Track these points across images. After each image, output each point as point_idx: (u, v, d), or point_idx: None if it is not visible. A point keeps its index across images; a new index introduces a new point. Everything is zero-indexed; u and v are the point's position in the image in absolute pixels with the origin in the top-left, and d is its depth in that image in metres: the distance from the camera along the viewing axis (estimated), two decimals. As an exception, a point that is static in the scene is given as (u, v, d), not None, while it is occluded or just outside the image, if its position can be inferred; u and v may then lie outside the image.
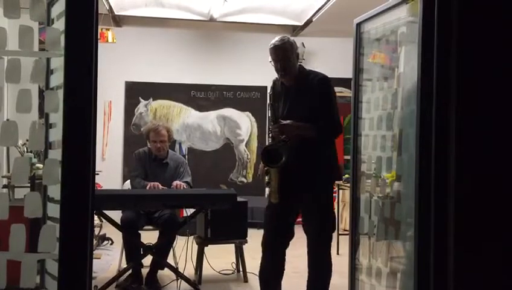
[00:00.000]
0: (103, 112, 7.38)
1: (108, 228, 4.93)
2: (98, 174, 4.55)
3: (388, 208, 2.72)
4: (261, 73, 6.94)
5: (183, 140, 7.67)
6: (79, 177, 1.87)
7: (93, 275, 3.97)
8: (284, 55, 2.99)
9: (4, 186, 4.98)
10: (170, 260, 4.15)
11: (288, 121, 2.97)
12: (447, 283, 2.17)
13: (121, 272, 3.92)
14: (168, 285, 4.10)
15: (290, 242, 3.12)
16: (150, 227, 4.25)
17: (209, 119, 7.77)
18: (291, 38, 3.15)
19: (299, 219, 3.14)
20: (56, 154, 2.03)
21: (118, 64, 7.36)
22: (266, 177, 3.02)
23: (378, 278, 2.86)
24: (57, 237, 1.88)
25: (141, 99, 7.58)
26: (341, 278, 3.14)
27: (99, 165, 3.82)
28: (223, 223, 4.22)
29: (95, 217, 3.74)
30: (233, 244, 4.40)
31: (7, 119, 4.05)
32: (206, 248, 4.24)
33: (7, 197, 2.10)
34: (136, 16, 7.04)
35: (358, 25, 3.07)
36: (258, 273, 3.20)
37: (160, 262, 3.98)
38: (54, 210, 2.01)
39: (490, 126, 2.21)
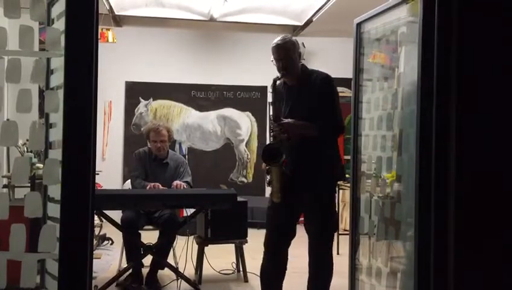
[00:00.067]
0: (103, 112, 7.38)
1: (108, 228, 4.94)
2: (98, 174, 4.55)
3: (388, 208, 2.72)
4: (261, 73, 6.95)
5: (183, 140, 7.67)
6: (79, 177, 1.87)
7: (94, 275, 3.97)
8: (286, 54, 2.99)
9: (4, 186, 4.98)
10: (170, 259, 4.15)
11: (289, 120, 2.97)
12: (447, 281, 2.17)
13: (121, 272, 3.92)
14: (168, 285, 4.10)
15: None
16: (150, 227, 4.25)
17: (209, 119, 7.77)
18: (294, 37, 3.15)
19: (301, 219, 3.13)
20: (56, 154, 2.03)
21: (118, 64, 7.36)
22: (268, 177, 3.02)
23: (378, 278, 2.86)
24: (57, 237, 1.88)
25: (141, 99, 7.58)
26: (341, 278, 3.14)
27: (99, 165, 3.82)
28: (223, 223, 4.22)
29: (95, 217, 3.74)
30: (233, 244, 4.40)
31: (7, 119, 4.05)
32: (206, 248, 4.24)
33: (7, 197, 2.10)
34: (137, 16, 7.04)
35: (359, 25, 3.07)
36: (258, 273, 3.20)
37: (160, 262, 3.99)
38: (54, 210, 2.01)
39: (490, 125, 2.21)
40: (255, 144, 7.82)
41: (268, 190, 3.18)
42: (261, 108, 7.69)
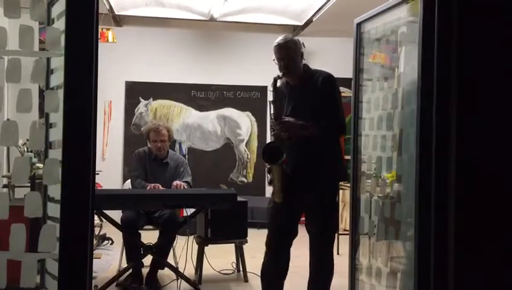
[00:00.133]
0: (103, 111, 7.38)
1: (108, 228, 4.94)
2: (98, 174, 4.55)
3: (388, 208, 2.72)
4: (261, 73, 6.94)
5: (183, 140, 7.67)
6: (79, 177, 1.87)
7: (94, 274, 3.97)
8: (288, 53, 2.98)
9: (4, 186, 4.98)
10: (170, 259, 4.15)
11: (290, 118, 2.96)
12: (447, 283, 2.17)
13: (121, 272, 3.92)
14: (168, 285, 4.11)
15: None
16: (150, 227, 4.26)
17: (209, 119, 7.77)
18: (296, 37, 3.14)
19: (302, 218, 3.13)
20: (56, 154, 2.03)
21: (118, 64, 7.36)
22: (269, 176, 3.01)
23: (378, 278, 2.86)
24: (57, 236, 1.88)
25: (141, 99, 7.58)
26: (341, 278, 3.14)
27: (99, 165, 3.82)
28: (223, 223, 4.22)
29: (95, 217, 3.74)
30: (233, 244, 4.40)
31: (7, 119, 4.06)
32: (206, 248, 4.24)
33: (7, 197, 2.10)
34: (137, 16, 7.04)
35: (359, 25, 3.07)
36: (258, 273, 3.20)
37: (160, 262, 3.99)
38: (54, 210, 2.01)
39: (490, 126, 2.21)
40: (255, 144, 7.82)
41: (268, 190, 3.18)
42: (261, 108, 7.70)
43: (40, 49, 2.80)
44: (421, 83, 2.25)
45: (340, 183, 5.09)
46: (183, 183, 4.18)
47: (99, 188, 5.39)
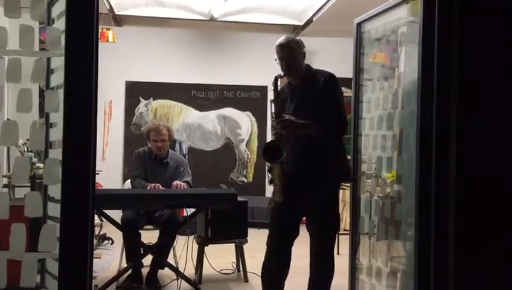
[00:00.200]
0: (103, 111, 7.38)
1: (108, 228, 4.94)
2: (98, 173, 4.55)
3: (388, 207, 2.72)
4: (261, 73, 6.94)
5: (183, 140, 7.67)
6: (79, 177, 1.87)
7: (94, 274, 3.97)
8: (290, 53, 2.98)
9: (4, 186, 4.98)
10: (170, 259, 4.15)
11: (291, 116, 2.95)
12: (447, 283, 2.17)
13: (121, 272, 3.92)
14: (168, 285, 4.10)
15: (291, 241, 3.12)
16: (150, 227, 4.26)
17: (210, 119, 7.77)
18: (298, 37, 3.14)
19: (304, 218, 3.13)
20: (56, 153, 2.03)
21: (119, 64, 7.36)
22: (269, 175, 3.01)
23: (378, 278, 2.86)
24: (57, 236, 1.88)
25: (141, 99, 7.58)
26: (341, 278, 3.14)
27: (99, 165, 3.81)
28: (223, 223, 4.22)
29: (95, 217, 3.74)
30: (233, 244, 4.40)
31: (8, 119, 4.05)
32: (206, 248, 4.24)
33: (7, 197, 2.09)
34: (137, 16, 7.04)
35: (359, 24, 3.08)
36: (258, 273, 3.19)
37: (160, 262, 3.99)
38: (54, 209, 2.02)
39: (490, 126, 2.21)
40: (255, 143, 7.82)
41: (268, 189, 3.18)
42: (261, 108, 7.70)
43: (40, 49, 2.80)
44: (421, 83, 2.25)
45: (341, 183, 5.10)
46: (183, 183, 4.18)
47: (99, 187, 5.39)
